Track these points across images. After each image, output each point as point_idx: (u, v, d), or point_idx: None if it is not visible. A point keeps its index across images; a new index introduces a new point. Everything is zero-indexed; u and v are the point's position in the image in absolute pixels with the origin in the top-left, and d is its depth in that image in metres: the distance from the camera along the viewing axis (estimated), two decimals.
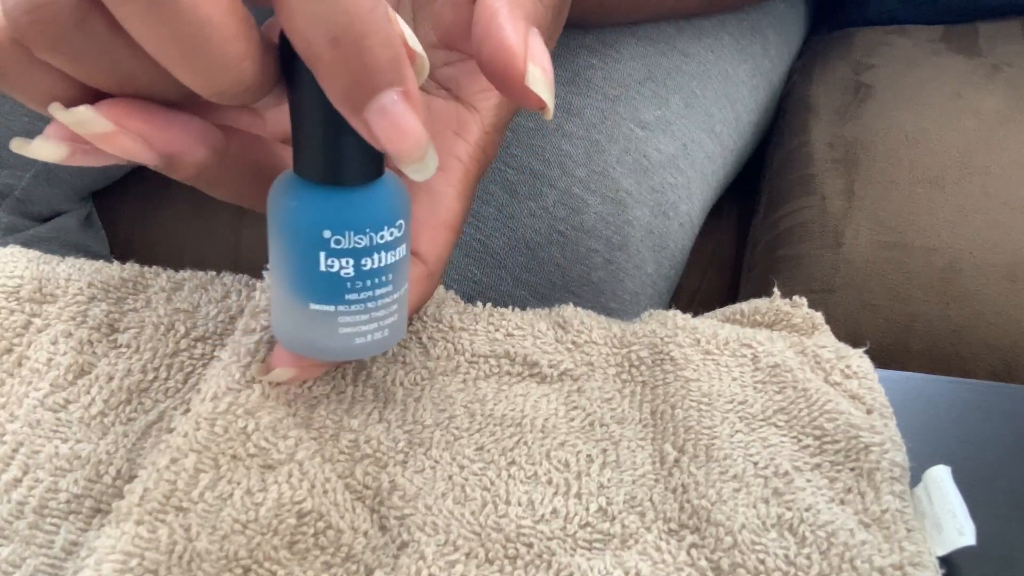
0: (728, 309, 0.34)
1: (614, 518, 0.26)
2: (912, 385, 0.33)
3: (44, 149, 0.22)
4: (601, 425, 0.29)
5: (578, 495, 0.27)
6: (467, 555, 0.25)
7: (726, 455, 0.27)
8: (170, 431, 0.26)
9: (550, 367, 0.30)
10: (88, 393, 0.28)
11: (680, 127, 0.53)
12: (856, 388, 0.29)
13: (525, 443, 0.28)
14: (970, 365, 0.51)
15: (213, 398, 0.26)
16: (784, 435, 0.28)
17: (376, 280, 0.24)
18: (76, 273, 0.31)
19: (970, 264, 0.53)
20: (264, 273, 0.29)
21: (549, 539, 0.25)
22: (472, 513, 0.26)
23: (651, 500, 0.27)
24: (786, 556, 0.25)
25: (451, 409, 0.29)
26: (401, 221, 0.24)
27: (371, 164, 0.23)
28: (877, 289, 0.53)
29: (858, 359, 0.31)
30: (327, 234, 0.23)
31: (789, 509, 0.26)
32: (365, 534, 0.25)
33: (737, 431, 0.28)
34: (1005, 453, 0.30)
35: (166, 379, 0.29)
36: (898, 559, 0.24)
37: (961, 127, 0.60)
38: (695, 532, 0.26)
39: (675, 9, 0.56)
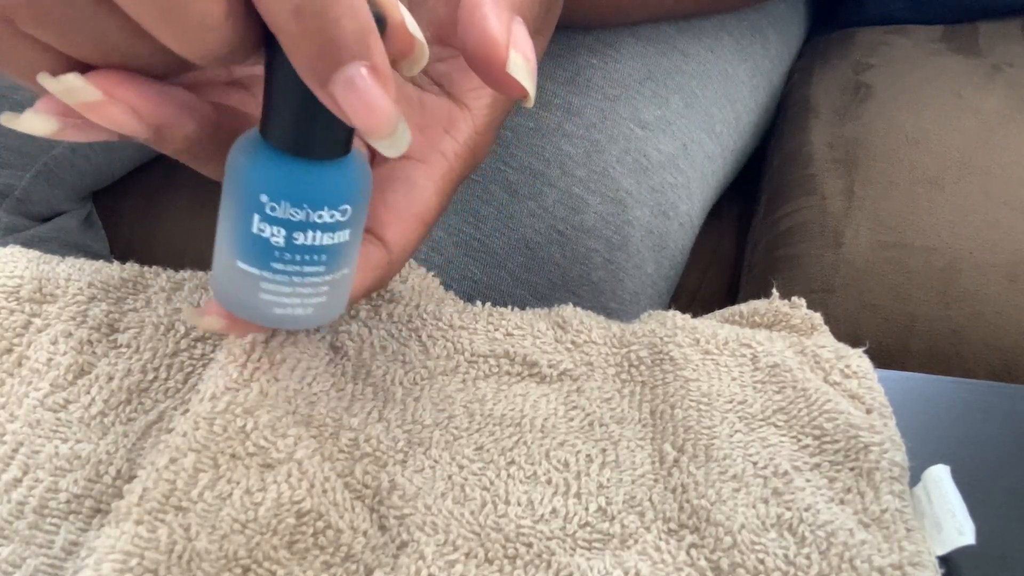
0: (727, 310, 0.34)
1: (613, 518, 0.26)
2: (912, 385, 0.33)
3: (34, 122, 0.22)
4: (600, 425, 0.29)
5: (577, 495, 0.27)
6: (467, 555, 0.25)
7: (725, 455, 0.27)
8: (170, 431, 0.26)
9: (549, 367, 0.30)
10: (88, 393, 0.28)
11: (680, 127, 0.53)
12: (856, 388, 0.29)
13: (524, 443, 0.28)
14: (970, 365, 0.51)
15: (212, 397, 0.26)
16: (783, 435, 0.28)
17: (307, 257, 0.23)
18: (76, 273, 0.31)
19: (970, 264, 0.53)
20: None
21: (548, 539, 0.25)
22: (472, 513, 0.26)
23: (650, 500, 0.27)
24: (786, 556, 0.25)
25: (450, 409, 0.29)
26: (347, 207, 0.23)
27: (330, 141, 0.22)
28: (877, 289, 0.53)
29: (858, 359, 0.31)
30: (264, 198, 0.22)
31: (788, 509, 0.26)
32: (364, 534, 0.25)
33: (736, 431, 0.28)
34: (1005, 453, 0.30)
35: (166, 379, 0.29)
36: (897, 559, 0.24)
37: (961, 127, 0.60)
38: (695, 532, 0.26)
39: (675, 9, 0.56)
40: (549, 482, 0.27)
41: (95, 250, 0.64)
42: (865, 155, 0.60)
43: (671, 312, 0.32)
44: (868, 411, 0.29)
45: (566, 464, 0.27)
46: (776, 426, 0.29)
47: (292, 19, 0.19)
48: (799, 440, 0.28)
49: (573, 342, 0.31)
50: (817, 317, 0.32)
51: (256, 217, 0.23)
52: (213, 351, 0.30)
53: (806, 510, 0.26)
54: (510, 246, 0.47)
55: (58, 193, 0.61)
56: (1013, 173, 0.57)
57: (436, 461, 0.27)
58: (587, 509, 0.26)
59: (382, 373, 0.29)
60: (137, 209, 0.67)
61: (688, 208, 0.53)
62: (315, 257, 0.23)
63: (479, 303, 0.32)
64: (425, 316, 0.31)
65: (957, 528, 0.25)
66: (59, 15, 0.20)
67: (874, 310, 0.53)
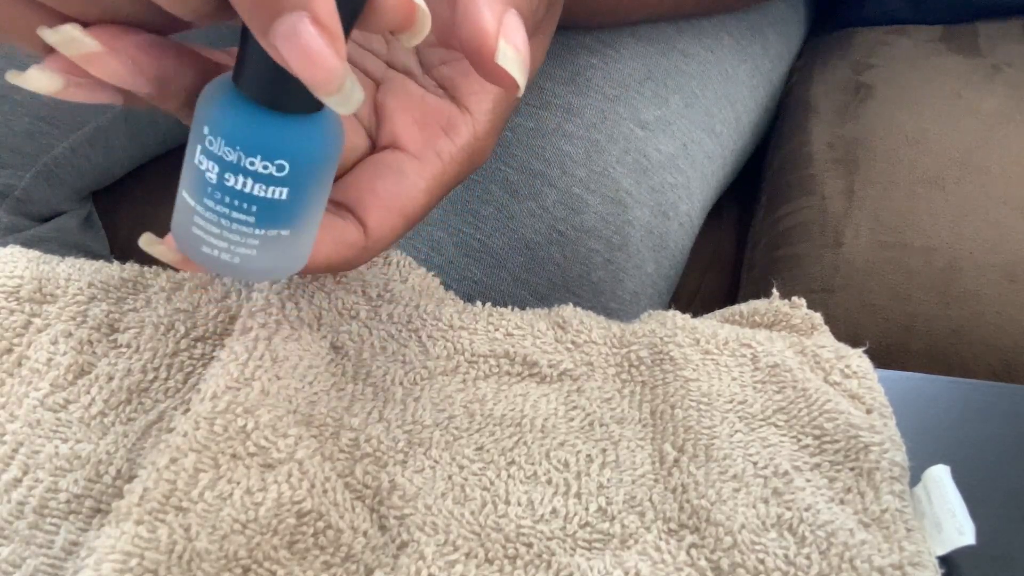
0: (727, 310, 0.34)
1: (614, 518, 0.26)
2: (912, 385, 0.32)
3: (39, 79, 0.22)
4: (601, 425, 0.29)
5: (578, 495, 0.27)
6: (467, 555, 0.25)
7: (726, 455, 0.27)
8: (170, 431, 0.26)
9: (550, 367, 0.30)
10: (88, 393, 0.28)
11: (680, 127, 0.53)
12: (856, 388, 0.29)
13: (525, 443, 0.28)
14: (970, 365, 0.51)
15: (212, 397, 0.26)
16: (784, 435, 0.28)
17: (235, 202, 0.23)
18: (76, 273, 0.31)
19: (970, 264, 0.53)
20: None
21: (549, 539, 0.25)
22: (472, 513, 0.26)
23: (651, 500, 0.27)
24: (786, 556, 0.25)
25: (451, 409, 0.29)
26: (283, 162, 0.23)
27: (280, 92, 0.22)
28: (877, 289, 0.53)
29: (858, 359, 0.31)
30: (205, 130, 0.23)
31: (789, 509, 0.26)
32: (365, 534, 0.25)
33: (737, 431, 0.28)
34: (1005, 453, 0.30)
35: (166, 379, 0.29)
36: (897, 559, 0.24)
37: (961, 127, 0.60)
38: (695, 532, 0.26)
39: (675, 9, 0.56)
40: (549, 482, 0.27)
41: (95, 250, 0.64)
42: (865, 155, 0.60)
43: (671, 312, 0.32)
44: (868, 411, 0.29)
45: (566, 464, 0.27)
46: (776, 426, 0.29)
47: None
48: (799, 440, 0.28)
49: (573, 342, 0.31)
50: (817, 317, 0.32)
51: (198, 148, 0.23)
52: (213, 351, 0.30)
53: (806, 510, 0.26)
54: (510, 246, 0.47)
55: (58, 193, 0.61)
56: (1013, 173, 0.57)
57: (436, 461, 0.27)
58: (587, 509, 0.26)
59: (382, 373, 0.29)
60: (137, 209, 0.67)
61: (688, 208, 0.53)
62: (244, 205, 0.23)
63: (479, 303, 0.32)
64: (425, 316, 0.31)
65: (957, 528, 0.25)
66: None
67: (874, 310, 0.53)
